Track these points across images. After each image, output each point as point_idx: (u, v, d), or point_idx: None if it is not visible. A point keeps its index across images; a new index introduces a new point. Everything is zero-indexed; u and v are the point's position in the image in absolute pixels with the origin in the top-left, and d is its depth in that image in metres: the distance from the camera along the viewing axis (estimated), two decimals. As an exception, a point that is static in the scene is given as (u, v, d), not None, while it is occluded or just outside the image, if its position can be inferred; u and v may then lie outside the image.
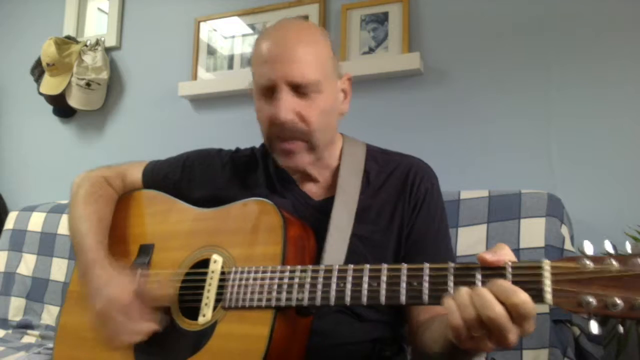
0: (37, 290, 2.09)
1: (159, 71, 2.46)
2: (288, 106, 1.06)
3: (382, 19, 2.07)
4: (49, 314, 2.05)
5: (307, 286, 0.89)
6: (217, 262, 1.03)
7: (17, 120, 2.75)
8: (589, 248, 0.72)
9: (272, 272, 0.94)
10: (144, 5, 2.57)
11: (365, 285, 0.84)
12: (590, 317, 0.69)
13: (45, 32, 2.58)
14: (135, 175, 1.31)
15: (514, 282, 0.73)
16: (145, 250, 1.18)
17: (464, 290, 0.73)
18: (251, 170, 1.24)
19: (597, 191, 1.71)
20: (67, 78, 2.47)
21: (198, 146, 1.35)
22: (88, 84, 2.45)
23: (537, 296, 0.71)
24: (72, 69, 2.47)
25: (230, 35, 2.35)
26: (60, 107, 2.55)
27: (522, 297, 0.69)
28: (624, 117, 1.72)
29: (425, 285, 0.80)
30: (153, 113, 2.44)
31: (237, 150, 1.32)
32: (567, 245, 1.47)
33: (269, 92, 1.09)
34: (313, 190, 1.18)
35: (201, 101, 2.35)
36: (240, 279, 0.96)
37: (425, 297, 0.79)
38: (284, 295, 0.91)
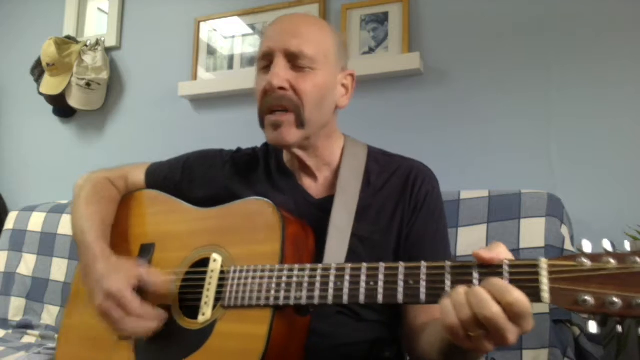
0: (37, 290, 2.10)
1: (159, 71, 2.46)
2: (281, 73, 1.07)
3: (382, 19, 2.07)
4: (49, 314, 2.05)
5: (306, 285, 0.89)
6: (216, 261, 1.03)
7: (17, 120, 2.75)
8: (587, 247, 0.72)
9: (271, 270, 0.94)
10: (144, 5, 2.57)
11: (362, 284, 0.84)
12: (589, 317, 0.69)
13: (45, 32, 2.58)
14: (138, 177, 1.32)
15: (511, 281, 0.72)
16: (146, 249, 1.18)
17: (461, 289, 0.73)
18: (252, 168, 1.24)
19: (597, 191, 1.71)
20: (67, 78, 2.47)
21: (198, 146, 1.36)
22: (88, 84, 2.45)
23: (534, 294, 0.71)
24: (72, 69, 2.47)
25: (230, 35, 2.35)
26: (60, 107, 2.55)
27: (515, 295, 0.69)
28: (624, 117, 1.72)
29: (422, 284, 0.79)
30: (153, 113, 2.44)
31: (239, 150, 1.32)
32: (567, 245, 1.47)
33: (265, 62, 1.11)
34: (313, 188, 1.18)
35: (201, 101, 2.35)
36: (240, 278, 0.97)
37: (423, 296, 0.79)
38: (282, 294, 0.91)
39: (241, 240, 1.04)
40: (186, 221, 1.16)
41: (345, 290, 0.85)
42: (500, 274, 0.74)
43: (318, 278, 0.89)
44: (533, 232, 1.48)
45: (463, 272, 0.77)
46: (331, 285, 0.87)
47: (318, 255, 1.04)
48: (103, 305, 1.00)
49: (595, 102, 1.76)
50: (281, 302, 0.91)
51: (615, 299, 0.66)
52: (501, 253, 0.76)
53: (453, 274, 0.78)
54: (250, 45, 2.30)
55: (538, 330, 1.36)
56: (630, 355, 1.46)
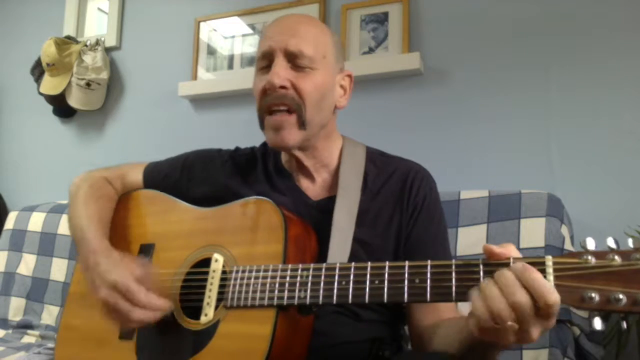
0: (37, 290, 2.09)
1: (159, 71, 2.46)
2: (282, 72, 1.08)
3: (382, 19, 2.07)
4: (49, 314, 2.05)
5: (309, 285, 0.89)
6: (218, 261, 1.03)
7: (17, 120, 2.75)
8: (591, 244, 0.72)
9: (274, 270, 0.94)
10: (144, 5, 2.57)
11: (367, 284, 0.84)
12: (593, 313, 0.69)
13: (45, 32, 2.58)
14: (136, 176, 1.31)
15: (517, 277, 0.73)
16: (146, 250, 1.18)
17: (488, 280, 0.74)
18: (251, 168, 1.24)
19: (597, 191, 1.71)
20: (67, 78, 2.47)
21: (198, 146, 1.35)
22: (88, 84, 2.45)
23: None
24: (72, 69, 2.47)
25: (230, 35, 2.35)
26: (60, 107, 2.55)
27: (555, 296, 0.70)
28: (624, 117, 1.72)
29: (428, 282, 0.80)
30: (153, 113, 2.44)
31: (237, 149, 1.32)
32: (567, 245, 1.47)
33: (264, 62, 1.11)
34: (311, 189, 1.18)
35: (201, 101, 2.35)
36: (242, 278, 0.96)
37: (428, 295, 0.79)
38: (285, 294, 0.91)
39: (243, 240, 1.03)
40: (186, 221, 1.16)
41: (350, 290, 0.85)
42: None
43: (322, 278, 0.89)
44: (533, 232, 1.48)
45: (469, 270, 0.77)
46: (335, 285, 0.87)
47: (320, 256, 1.04)
48: (108, 297, 0.99)
49: (595, 102, 1.76)
50: (285, 302, 0.91)
51: (621, 296, 0.66)
52: (512, 252, 0.77)
53: (458, 272, 0.78)
54: (250, 45, 2.30)
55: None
56: (630, 355, 1.46)
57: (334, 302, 0.86)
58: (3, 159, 2.75)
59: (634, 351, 1.44)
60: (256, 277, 0.95)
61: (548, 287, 0.70)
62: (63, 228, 2.12)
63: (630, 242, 0.70)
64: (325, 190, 1.17)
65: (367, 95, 2.01)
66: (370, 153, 1.22)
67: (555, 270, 0.71)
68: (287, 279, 0.92)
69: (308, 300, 0.89)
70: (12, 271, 2.15)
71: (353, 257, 1.05)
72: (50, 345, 1.81)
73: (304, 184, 1.19)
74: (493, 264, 0.75)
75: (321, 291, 0.88)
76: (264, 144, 1.29)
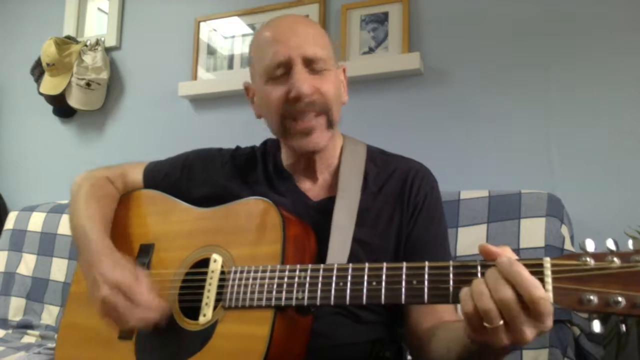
0: (37, 290, 2.10)
1: (159, 71, 2.46)
2: (308, 79, 1.07)
3: (382, 19, 2.07)
4: (49, 314, 2.05)
5: (307, 285, 0.89)
6: (217, 262, 1.03)
7: (17, 120, 2.75)
8: (590, 246, 0.71)
9: (272, 271, 0.94)
10: (144, 5, 2.57)
11: (365, 285, 0.84)
12: (592, 316, 0.69)
13: (45, 32, 2.58)
14: (136, 175, 1.31)
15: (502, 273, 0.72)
16: (146, 250, 1.18)
17: (480, 279, 0.73)
18: (251, 168, 1.24)
19: (597, 191, 1.71)
20: (67, 78, 2.47)
21: (198, 146, 1.35)
22: (88, 84, 2.45)
23: None
24: (72, 69, 2.47)
25: (230, 35, 2.35)
26: (60, 107, 2.55)
27: (540, 292, 0.68)
28: (624, 117, 1.72)
29: (425, 284, 0.79)
30: (153, 113, 2.44)
31: (237, 148, 1.31)
32: (567, 245, 1.47)
33: (281, 70, 1.08)
34: (311, 190, 1.18)
35: (201, 101, 2.35)
36: (240, 279, 0.96)
37: (425, 296, 0.79)
38: (283, 295, 0.91)
39: (242, 241, 1.03)
40: (186, 221, 1.16)
41: (348, 291, 0.85)
42: None
43: (320, 279, 0.88)
44: (533, 232, 1.48)
45: (466, 272, 0.77)
46: (333, 285, 0.87)
47: (320, 256, 1.04)
48: (109, 296, 0.99)
49: (595, 102, 1.76)
50: (283, 302, 0.90)
51: (619, 298, 0.66)
52: (507, 253, 0.75)
53: (456, 273, 0.78)
54: (250, 46, 2.30)
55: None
56: (630, 355, 1.46)
57: (332, 303, 0.86)
58: (3, 159, 2.75)
59: (633, 351, 1.44)
60: (254, 278, 0.95)
61: (533, 282, 0.69)
62: (63, 228, 2.12)
63: (630, 243, 0.70)
64: (326, 191, 1.17)
65: (367, 95, 2.01)
66: (371, 152, 1.21)
67: (553, 272, 0.71)
68: (285, 279, 0.91)
69: (306, 301, 0.88)
70: (12, 271, 2.15)
71: (352, 257, 1.04)
72: (50, 345, 1.81)
73: (305, 185, 1.18)
74: (491, 265, 0.75)
75: (319, 292, 0.88)
76: (264, 144, 1.29)
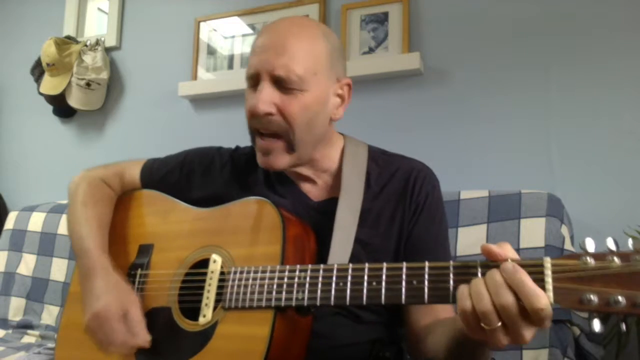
0: (37, 290, 2.09)
1: (159, 71, 2.46)
2: (267, 97, 1.03)
3: (382, 19, 2.07)
4: (49, 314, 2.05)
5: (307, 286, 0.89)
6: (216, 262, 1.03)
7: (17, 120, 2.75)
8: (590, 245, 0.71)
9: (272, 271, 0.94)
10: (144, 5, 2.57)
11: (365, 285, 0.84)
12: (592, 315, 0.69)
13: (45, 32, 2.58)
14: (134, 174, 1.30)
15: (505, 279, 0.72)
16: (145, 250, 1.18)
17: (479, 279, 0.73)
18: (251, 169, 1.23)
19: (597, 191, 1.71)
20: (67, 78, 2.47)
21: (198, 146, 1.35)
22: (88, 84, 2.45)
23: None
24: (72, 69, 2.47)
25: (230, 35, 2.35)
26: (60, 107, 2.55)
27: (544, 302, 0.69)
28: (623, 117, 1.72)
29: (425, 284, 0.79)
30: (153, 113, 2.44)
31: (237, 148, 1.31)
32: (567, 245, 1.47)
33: (253, 82, 1.07)
34: (312, 191, 1.17)
35: (201, 101, 2.35)
36: (240, 279, 0.96)
37: (426, 296, 0.79)
38: (283, 295, 0.91)
39: (241, 241, 1.03)
40: (185, 221, 1.16)
41: (348, 291, 0.85)
42: None
43: (320, 279, 0.88)
44: (533, 232, 1.48)
45: (466, 272, 0.77)
46: (333, 285, 0.87)
47: (320, 257, 1.04)
48: (103, 314, 1.03)
49: (595, 102, 1.76)
50: (282, 303, 0.90)
51: (620, 298, 0.66)
52: (508, 251, 0.76)
53: (456, 273, 0.78)
54: (250, 46, 2.29)
55: (538, 330, 1.36)
56: (630, 355, 1.46)
57: (332, 303, 0.86)
58: (3, 159, 2.75)
59: (634, 351, 1.44)
60: (254, 278, 0.95)
61: (536, 291, 0.68)
62: (63, 228, 2.12)
63: (630, 243, 0.70)
64: (327, 192, 1.17)
65: (367, 95, 2.01)
66: (372, 152, 1.20)
67: (553, 272, 0.71)
68: (285, 280, 0.91)
69: (306, 302, 0.88)
70: (12, 271, 2.15)
71: (354, 257, 1.04)
72: (50, 345, 1.81)
73: (305, 187, 1.18)
74: (491, 265, 0.75)
75: (319, 292, 0.88)
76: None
